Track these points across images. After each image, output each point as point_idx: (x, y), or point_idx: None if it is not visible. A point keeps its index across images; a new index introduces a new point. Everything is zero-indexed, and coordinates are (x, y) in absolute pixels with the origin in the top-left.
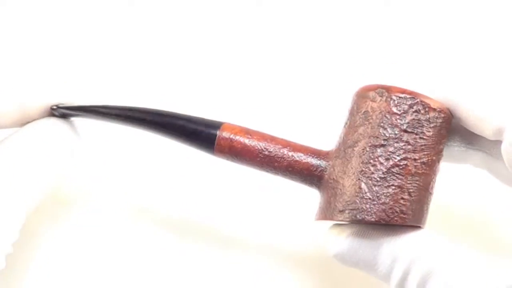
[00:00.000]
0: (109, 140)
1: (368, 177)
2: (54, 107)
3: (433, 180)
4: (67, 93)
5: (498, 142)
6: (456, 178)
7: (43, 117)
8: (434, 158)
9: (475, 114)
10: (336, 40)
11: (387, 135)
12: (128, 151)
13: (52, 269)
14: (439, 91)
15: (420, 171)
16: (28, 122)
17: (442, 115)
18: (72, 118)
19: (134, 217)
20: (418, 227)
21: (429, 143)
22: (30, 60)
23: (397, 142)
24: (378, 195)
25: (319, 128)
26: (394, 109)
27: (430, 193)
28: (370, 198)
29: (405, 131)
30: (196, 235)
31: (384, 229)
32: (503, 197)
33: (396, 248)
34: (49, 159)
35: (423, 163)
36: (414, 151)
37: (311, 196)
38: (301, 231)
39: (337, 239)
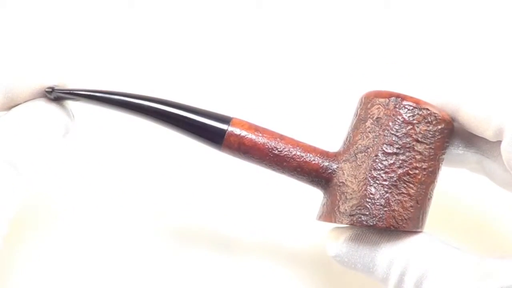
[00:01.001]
0: (106, 129)
1: (380, 183)
2: (49, 90)
3: (435, 186)
4: (61, 75)
5: (495, 144)
6: (456, 179)
7: (32, 99)
8: (438, 166)
9: (477, 115)
10: (337, 40)
11: (401, 143)
12: (126, 142)
13: (46, 267)
14: (440, 96)
15: (427, 180)
16: (15, 105)
17: (450, 126)
18: (68, 102)
19: (132, 213)
20: (418, 232)
21: (437, 153)
22: (25, 48)
23: (409, 151)
24: (389, 202)
25: (318, 127)
26: (409, 119)
27: (431, 198)
28: (382, 205)
29: (417, 140)
30: (195, 234)
31: (382, 232)
32: (502, 198)
33: (393, 251)
34: (40, 142)
35: (430, 171)
36: (424, 161)
37: (313, 195)
38: (303, 230)
39: (336, 242)
